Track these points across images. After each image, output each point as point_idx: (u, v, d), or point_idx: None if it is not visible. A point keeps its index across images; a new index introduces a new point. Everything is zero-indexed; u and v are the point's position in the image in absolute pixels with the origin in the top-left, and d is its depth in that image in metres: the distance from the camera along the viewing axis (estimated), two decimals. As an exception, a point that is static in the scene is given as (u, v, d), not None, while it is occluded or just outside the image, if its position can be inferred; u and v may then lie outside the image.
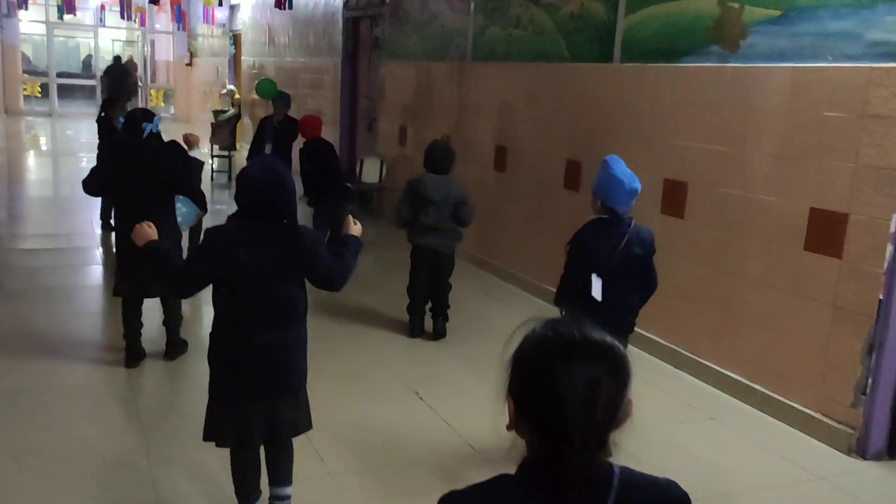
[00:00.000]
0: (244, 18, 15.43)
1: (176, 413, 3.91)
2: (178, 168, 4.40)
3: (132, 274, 4.21)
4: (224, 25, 17.06)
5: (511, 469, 1.18)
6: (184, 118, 22.04)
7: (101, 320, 5.32)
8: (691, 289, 4.71)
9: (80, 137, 15.99)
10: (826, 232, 3.83)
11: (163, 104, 22.58)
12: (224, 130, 13.09)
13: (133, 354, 4.38)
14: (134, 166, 4.20)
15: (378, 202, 9.20)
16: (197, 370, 4.38)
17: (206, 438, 2.78)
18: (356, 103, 10.44)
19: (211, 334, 2.72)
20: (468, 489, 1.18)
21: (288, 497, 2.88)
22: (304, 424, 2.83)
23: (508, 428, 1.18)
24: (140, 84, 21.88)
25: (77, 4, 15.83)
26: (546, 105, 6.13)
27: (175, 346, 4.49)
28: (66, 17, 16.58)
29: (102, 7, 18.06)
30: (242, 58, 15.84)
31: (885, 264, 3.55)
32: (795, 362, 4.00)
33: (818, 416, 3.90)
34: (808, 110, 3.91)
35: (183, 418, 3.74)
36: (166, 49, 24.12)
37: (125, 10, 15.11)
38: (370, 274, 6.36)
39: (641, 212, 4.98)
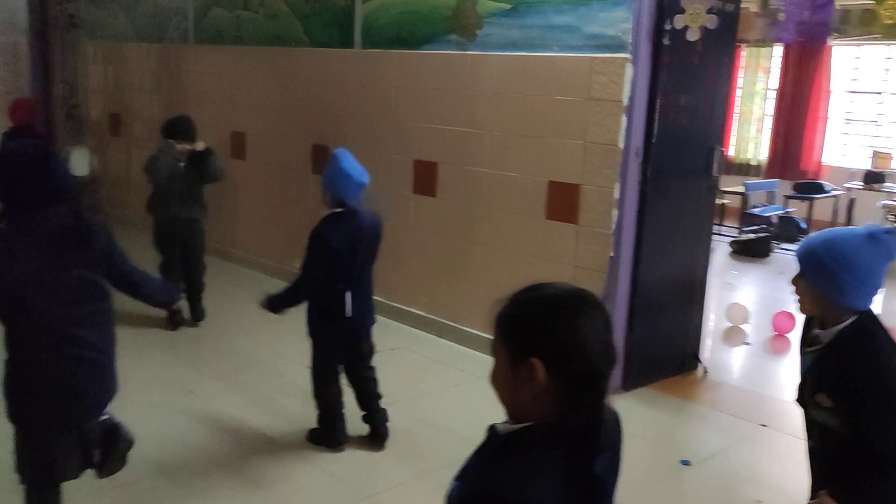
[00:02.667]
0: None
1: None
2: None
3: None
4: None
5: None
6: None
7: None
8: (448, 262, 5.06)
9: None
10: (563, 202, 4.37)
11: None
12: None
13: None
14: None
15: (93, 198, 8.33)
16: None
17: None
18: (50, 89, 9.28)
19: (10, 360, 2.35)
20: (505, 463, 1.17)
21: None
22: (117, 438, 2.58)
23: (530, 393, 1.17)
24: None
25: None
26: (286, 90, 6.07)
27: None
28: None
29: None
30: None
31: (613, 226, 4.17)
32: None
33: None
34: (541, 94, 4.41)
35: None
36: None
37: None
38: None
39: (393, 192, 5.25)
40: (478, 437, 1.32)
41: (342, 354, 3.54)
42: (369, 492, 3.25)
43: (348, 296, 3.37)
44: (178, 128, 4.89)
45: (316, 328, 3.48)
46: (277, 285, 6.07)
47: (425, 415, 3.96)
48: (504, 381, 1.24)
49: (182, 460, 3.40)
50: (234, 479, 3.28)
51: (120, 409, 2.60)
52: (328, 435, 3.55)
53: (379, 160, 5.40)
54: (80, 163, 8.17)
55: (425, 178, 5.12)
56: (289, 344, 4.70)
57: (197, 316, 5.10)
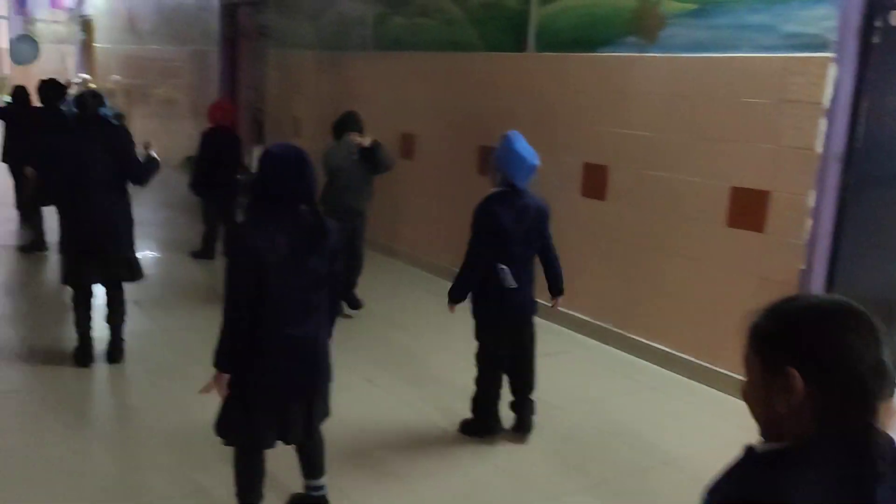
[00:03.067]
0: (97, 3, 14.38)
1: (127, 419, 3.69)
2: (133, 157, 4.16)
3: (85, 258, 4.00)
4: (71, 10, 15.81)
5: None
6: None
7: (25, 320, 4.84)
8: (616, 267, 4.95)
9: None
10: (748, 208, 4.15)
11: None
12: None
13: (87, 351, 4.11)
14: (96, 151, 3.96)
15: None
16: (137, 374, 4.19)
17: (225, 436, 2.66)
18: (237, 93, 10.03)
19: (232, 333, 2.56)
20: (768, 474, 1.09)
21: (324, 487, 2.88)
22: (327, 412, 2.82)
23: (786, 405, 1.10)
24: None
25: None
26: (458, 94, 6.19)
27: (118, 349, 4.19)
28: None
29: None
30: (96, 45, 14.77)
31: (805, 236, 3.91)
32: (724, 331, 4.31)
33: (744, 378, 4.22)
34: (727, 96, 4.22)
35: (132, 422, 3.55)
36: (-3, 35, 22.01)
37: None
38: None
39: (561, 194, 5.21)
40: (658, 449, 1.27)
41: (505, 338, 3.52)
42: (552, 492, 3.22)
43: (506, 269, 3.37)
44: (348, 122, 5.17)
45: (480, 306, 3.49)
46: (438, 283, 6.35)
47: (598, 423, 3.87)
48: (757, 395, 1.16)
49: (361, 444, 3.52)
50: (407, 466, 3.36)
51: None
52: (482, 424, 3.57)
53: (547, 161, 5.39)
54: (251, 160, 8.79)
55: (595, 182, 5.04)
56: (448, 340, 4.82)
57: (353, 305, 5.25)
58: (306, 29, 8.07)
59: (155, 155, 4.26)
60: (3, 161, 6.61)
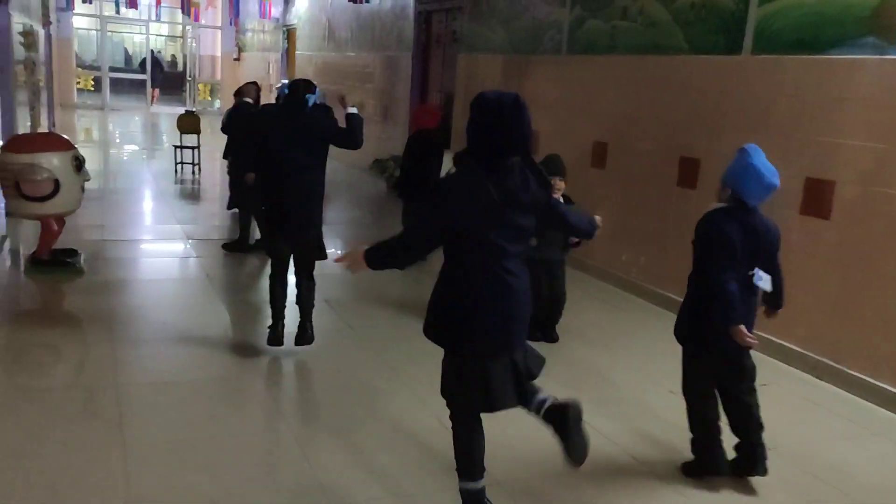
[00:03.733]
0: (300, 13, 15.33)
1: (316, 403, 3.81)
2: (339, 129, 4.35)
3: (281, 232, 4.24)
4: (277, 20, 16.99)
5: None
6: (231, 113, 22.01)
7: (213, 311, 5.16)
8: (834, 293, 4.44)
9: (138, 132, 16.03)
10: None
11: (209, 98, 22.64)
12: None
13: (280, 329, 4.33)
14: (299, 134, 4.19)
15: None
16: (326, 360, 4.32)
17: (451, 397, 2.70)
18: (427, 98, 10.25)
19: (447, 291, 2.64)
20: None
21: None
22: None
23: None
24: (189, 79, 21.95)
25: (134, -1, 15.84)
26: (656, 100, 5.88)
27: (306, 332, 4.35)
28: (122, 11, 16.61)
29: (158, 2, 18.10)
30: (297, 52, 15.75)
31: None
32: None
33: None
34: None
35: (324, 408, 3.69)
36: (212, 44, 24.17)
37: (185, 5, 15.07)
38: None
39: (775, 211, 4.75)
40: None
41: (719, 368, 3.19)
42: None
43: (760, 272, 3.08)
44: (549, 167, 4.75)
45: (695, 331, 3.18)
46: (629, 300, 6.07)
47: (819, 469, 3.46)
48: None
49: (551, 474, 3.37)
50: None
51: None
52: (705, 464, 3.25)
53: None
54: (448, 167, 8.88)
55: (817, 199, 4.55)
56: (648, 364, 4.55)
57: (550, 338, 4.87)
58: (498, 33, 8.05)
59: (353, 110, 4.34)
60: (230, 166, 6.77)
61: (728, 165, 3.16)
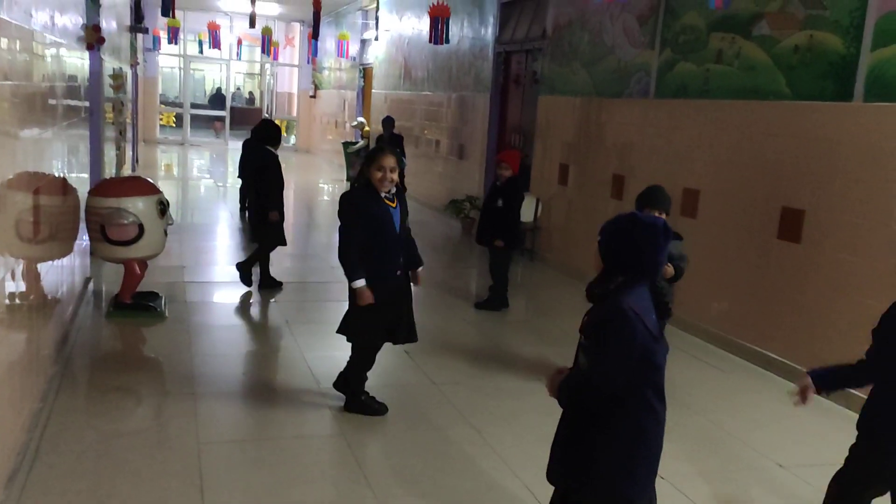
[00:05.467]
0: (377, 52, 15.52)
1: (402, 468, 3.61)
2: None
3: (385, 322, 4.08)
4: (354, 59, 17.26)
5: None
6: (304, 148, 22.48)
7: (292, 362, 5.06)
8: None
9: (217, 167, 16.43)
10: None
11: (285, 134, 23.16)
12: (359, 161, 13.45)
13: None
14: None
15: (532, 242, 8.78)
16: (410, 419, 4.16)
17: None
18: (504, 138, 10.11)
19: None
20: None
21: None
22: None
23: None
24: (267, 114, 22.50)
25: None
26: (755, 147, 5.56)
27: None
28: (207, 51, 17.16)
29: (239, 41, 18.67)
30: (373, 91, 15.92)
31: None
32: None
33: None
34: None
35: (409, 474, 3.48)
36: (289, 81, 24.79)
37: (265, 45, 15.47)
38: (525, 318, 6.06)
39: (881, 277, 4.38)
40: None
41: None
42: None
43: None
44: (651, 199, 4.48)
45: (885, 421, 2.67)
46: (725, 358, 5.67)
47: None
48: None
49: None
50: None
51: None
52: None
53: (870, 228, 4.59)
54: (526, 209, 8.68)
55: (945, 259, 4.16)
56: (765, 433, 4.20)
57: None
58: (581, 75, 7.86)
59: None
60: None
61: None
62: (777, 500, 3.54)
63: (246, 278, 6.60)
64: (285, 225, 6.76)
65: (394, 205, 3.98)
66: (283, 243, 6.70)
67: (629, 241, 2.29)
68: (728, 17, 5.78)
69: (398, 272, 4.05)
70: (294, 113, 23.66)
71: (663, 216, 4.42)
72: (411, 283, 4.17)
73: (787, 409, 4.52)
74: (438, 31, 9.97)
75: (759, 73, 5.53)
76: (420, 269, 4.20)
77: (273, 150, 6.61)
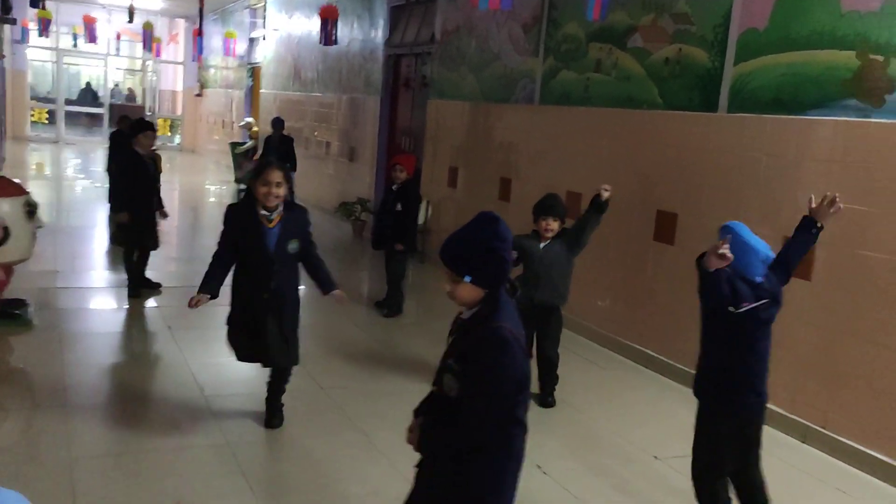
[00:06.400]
0: (266, 52, 15.20)
1: (286, 477, 3.53)
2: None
3: (246, 343, 3.95)
4: (242, 58, 16.82)
5: None
6: (190, 148, 21.73)
7: (186, 368, 4.87)
8: (817, 357, 4.38)
9: (94, 166, 15.60)
10: None
11: (168, 133, 22.24)
12: (247, 162, 13.33)
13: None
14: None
15: (423, 244, 8.84)
16: (298, 426, 4.08)
17: None
18: (395, 141, 10.14)
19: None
20: None
21: None
22: None
23: None
24: (149, 113, 21.57)
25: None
26: (631, 153, 5.84)
27: (276, 414, 4.09)
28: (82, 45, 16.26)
29: (118, 36, 17.80)
30: (262, 91, 15.57)
31: None
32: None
33: None
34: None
35: (296, 483, 3.41)
36: (173, 79, 23.87)
37: (146, 41, 14.83)
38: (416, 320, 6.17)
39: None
40: None
41: (733, 441, 3.05)
42: None
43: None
44: (548, 206, 4.68)
45: (723, 399, 3.06)
46: (609, 357, 5.91)
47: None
48: None
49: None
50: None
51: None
52: None
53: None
54: (420, 213, 8.74)
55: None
56: (643, 429, 4.41)
57: (546, 404, 4.70)
58: (469, 80, 8.00)
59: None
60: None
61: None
62: (654, 490, 3.73)
63: (133, 291, 6.35)
64: (169, 227, 6.52)
65: (271, 225, 3.78)
66: (153, 246, 6.46)
67: (488, 250, 2.20)
68: (605, 28, 6.04)
69: (265, 295, 3.83)
70: (179, 112, 22.80)
71: (558, 223, 4.60)
72: (303, 303, 4.06)
73: (664, 405, 4.80)
74: (328, 31, 9.89)
75: (634, 83, 5.81)
76: (336, 291, 4.01)
77: (137, 147, 6.33)
